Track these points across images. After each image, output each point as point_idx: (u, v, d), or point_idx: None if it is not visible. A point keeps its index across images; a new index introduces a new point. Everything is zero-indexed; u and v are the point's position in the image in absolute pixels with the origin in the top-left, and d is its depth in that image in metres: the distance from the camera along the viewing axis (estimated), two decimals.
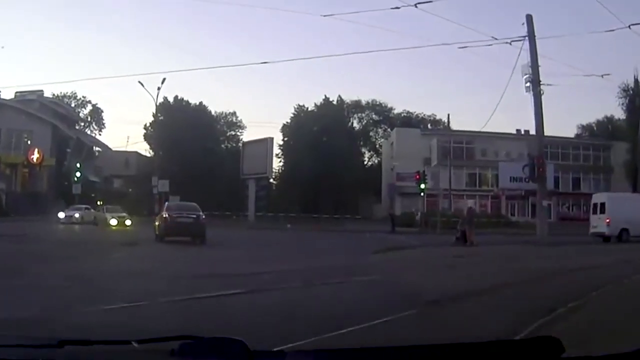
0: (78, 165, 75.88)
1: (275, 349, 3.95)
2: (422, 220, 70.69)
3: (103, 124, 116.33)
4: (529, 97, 43.08)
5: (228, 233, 49.19)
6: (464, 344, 3.58)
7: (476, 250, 34.68)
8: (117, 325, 10.55)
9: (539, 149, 43.65)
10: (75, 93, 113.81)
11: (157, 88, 68.74)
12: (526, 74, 42.91)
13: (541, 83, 42.81)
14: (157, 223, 39.14)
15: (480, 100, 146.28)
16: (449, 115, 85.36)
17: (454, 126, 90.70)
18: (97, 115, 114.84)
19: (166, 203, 42.51)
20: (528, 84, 42.88)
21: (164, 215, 37.81)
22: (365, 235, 54.93)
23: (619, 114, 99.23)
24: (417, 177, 69.29)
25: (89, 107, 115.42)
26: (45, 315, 11.50)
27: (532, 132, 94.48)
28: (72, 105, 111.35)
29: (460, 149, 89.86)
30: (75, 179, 73.97)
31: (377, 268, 24.32)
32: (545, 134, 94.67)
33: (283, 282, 18.19)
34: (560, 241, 41.37)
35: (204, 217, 38.46)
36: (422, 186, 68.91)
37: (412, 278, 20.87)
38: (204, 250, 33.53)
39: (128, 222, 59.34)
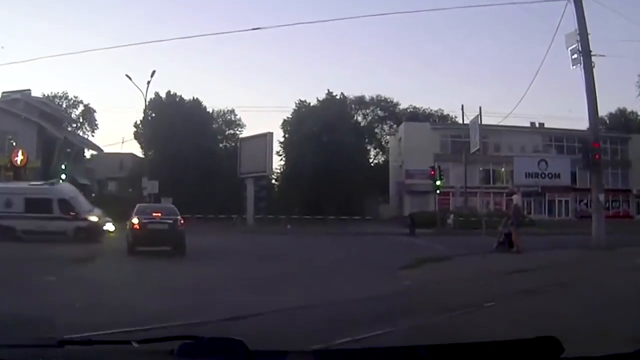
0: (63, 166, 67.29)
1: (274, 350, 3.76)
2: (455, 222, 62.91)
3: (96, 125, 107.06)
4: (577, 72, 34.31)
5: (220, 239, 40.33)
6: (464, 345, 3.61)
7: (536, 260, 25.59)
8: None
9: (593, 131, 35.01)
10: (66, 93, 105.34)
11: (146, 82, 62.80)
12: (572, 45, 34.47)
13: (592, 54, 34.26)
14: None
15: (489, 94, 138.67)
16: (462, 106, 78.13)
17: (461, 121, 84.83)
18: (89, 115, 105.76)
19: (137, 205, 33.03)
20: (575, 56, 34.18)
21: (133, 221, 29.41)
22: (367, 238, 48.27)
23: (632, 106, 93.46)
24: (432, 173, 62.42)
25: (81, 108, 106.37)
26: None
27: (548, 124, 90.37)
28: (64, 105, 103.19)
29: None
30: (60, 181, 65.48)
31: (420, 298, 16.33)
32: (559, 126, 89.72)
33: (282, 341, 9.77)
34: (619, 241, 32.46)
35: (182, 221, 30.13)
36: (438, 183, 61.70)
37: (491, 326, 12.07)
38: (177, 267, 24.34)
39: (111, 228, 50.57)
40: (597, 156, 33.67)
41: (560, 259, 26.25)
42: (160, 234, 28.97)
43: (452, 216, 63.18)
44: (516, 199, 33.50)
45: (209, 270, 23.06)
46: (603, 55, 35.37)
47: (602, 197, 34.43)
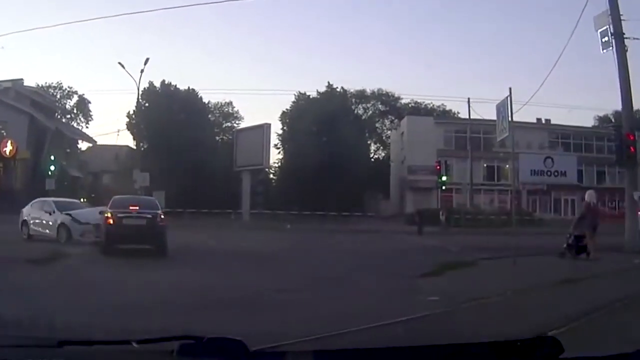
0: (52, 157, 64.92)
1: (274, 350, 3.81)
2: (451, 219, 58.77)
3: (90, 116, 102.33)
4: (610, 56, 30.93)
5: (212, 236, 35.97)
6: (464, 344, 3.65)
7: (577, 267, 21.49)
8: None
9: (628, 121, 31.13)
10: (60, 83, 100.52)
11: (140, 71, 60.06)
12: (602, 27, 31.01)
13: (625, 36, 30.78)
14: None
15: (493, 89, 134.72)
16: (469, 99, 73.94)
17: (464, 115, 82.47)
18: (83, 106, 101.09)
19: (113, 198, 28.61)
20: (606, 39, 30.87)
21: (106, 215, 25.57)
22: (373, 236, 44.33)
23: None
24: (438, 167, 59.31)
25: (75, 98, 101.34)
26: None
27: (554, 121, 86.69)
28: (58, 96, 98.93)
29: (477, 139, 78.51)
30: (49, 173, 62.31)
31: (459, 323, 12.12)
32: (564, 123, 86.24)
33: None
34: None
35: (162, 216, 26.19)
36: (444, 179, 58.77)
37: None
38: (150, 274, 19.35)
39: None
40: (632, 149, 29.89)
41: (606, 267, 22.03)
42: (136, 231, 25.09)
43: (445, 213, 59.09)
44: (589, 195, 27.73)
45: (187, 277, 18.87)
46: (637, 39, 31.83)
47: (637, 195, 30.57)
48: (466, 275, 20.24)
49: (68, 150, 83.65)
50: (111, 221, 25.02)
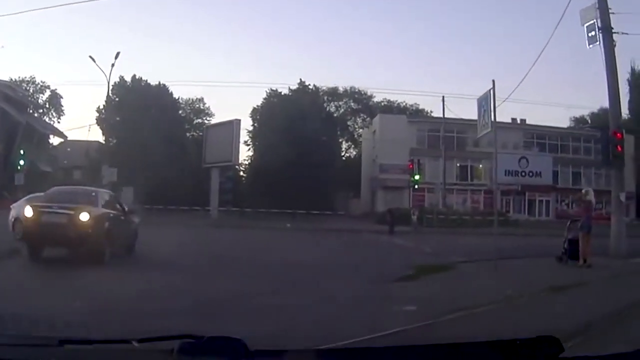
0: (22, 152, 61.87)
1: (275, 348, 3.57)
2: (424, 219, 57.38)
3: (62, 111, 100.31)
4: (588, 54, 29.23)
5: (176, 234, 33.75)
6: (464, 344, 3.54)
7: (566, 272, 19.61)
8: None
9: (614, 119, 29.22)
10: (33, 78, 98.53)
11: (110, 65, 58.83)
12: (589, 21, 28.97)
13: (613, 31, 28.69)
14: None
15: (466, 88, 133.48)
16: (443, 97, 72.25)
17: (437, 114, 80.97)
18: (55, 101, 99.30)
19: (51, 189, 23.77)
20: (592, 33, 28.81)
21: (24, 210, 20.97)
22: (344, 236, 43.46)
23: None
24: (411, 166, 57.99)
25: (47, 93, 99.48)
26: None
27: (529, 121, 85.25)
28: (30, 90, 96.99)
29: (451, 138, 77.12)
30: (18, 167, 59.73)
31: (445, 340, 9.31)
32: (539, 123, 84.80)
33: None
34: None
35: (91, 214, 20.09)
36: (417, 177, 57.72)
37: None
38: (74, 284, 15.63)
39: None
40: (619, 148, 28.03)
41: (598, 272, 20.38)
42: (55, 230, 19.58)
43: (417, 213, 57.29)
44: (590, 194, 24.91)
45: (134, 287, 15.35)
46: (626, 33, 29.95)
47: (622, 196, 28.84)
48: (444, 280, 18.30)
49: (39, 145, 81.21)
50: (29, 217, 20.23)
